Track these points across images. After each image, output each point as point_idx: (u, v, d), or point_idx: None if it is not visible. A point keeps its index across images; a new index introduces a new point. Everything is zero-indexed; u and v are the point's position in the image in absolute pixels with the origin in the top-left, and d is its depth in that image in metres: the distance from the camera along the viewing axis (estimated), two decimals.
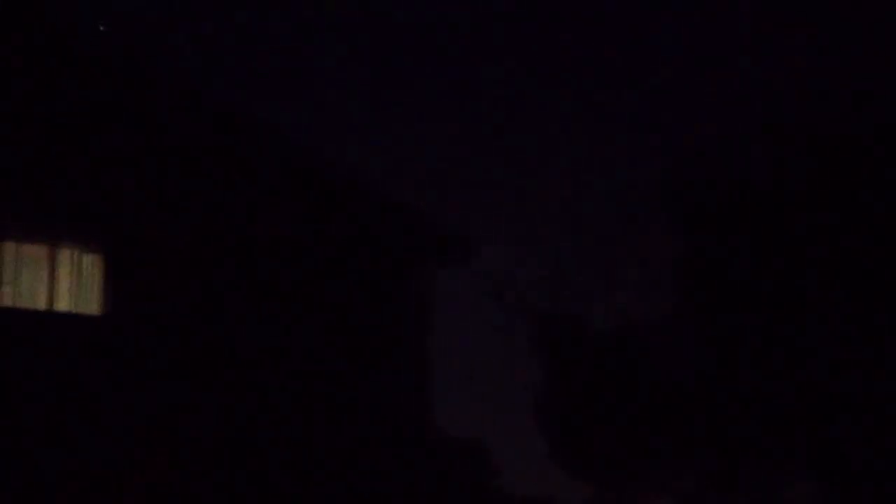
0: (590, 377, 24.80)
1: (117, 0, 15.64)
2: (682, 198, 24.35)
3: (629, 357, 24.98)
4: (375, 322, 16.68)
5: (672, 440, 24.47)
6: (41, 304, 14.98)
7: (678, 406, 24.19)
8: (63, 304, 15.09)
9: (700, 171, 24.24)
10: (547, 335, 25.53)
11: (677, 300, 24.47)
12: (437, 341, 17.58)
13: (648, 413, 24.28)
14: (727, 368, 23.49)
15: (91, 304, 15.15)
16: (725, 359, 23.53)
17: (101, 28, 15.15)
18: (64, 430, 14.53)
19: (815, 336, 22.98)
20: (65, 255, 15.14)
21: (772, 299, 23.22)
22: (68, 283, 15.12)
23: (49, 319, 14.90)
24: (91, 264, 15.20)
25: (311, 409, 16.00)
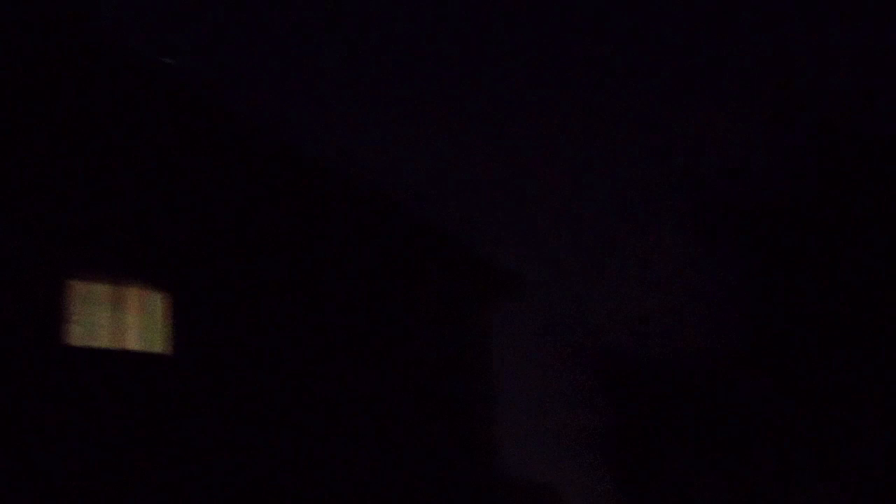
0: (655, 413, 24.59)
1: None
2: (734, 225, 24.15)
3: (692, 392, 24.75)
4: (440, 361, 16.65)
5: (740, 474, 24.22)
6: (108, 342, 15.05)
7: (741, 441, 23.95)
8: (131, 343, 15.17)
9: (745, 198, 24.04)
10: (605, 370, 25.36)
11: (732, 332, 24.27)
12: (497, 378, 17.56)
13: (712, 449, 24.04)
14: (785, 401, 23.25)
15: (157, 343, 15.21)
16: (782, 392, 23.29)
17: (168, 62, 15.22)
18: (129, 467, 14.55)
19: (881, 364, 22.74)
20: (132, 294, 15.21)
21: (832, 328, 22.98)
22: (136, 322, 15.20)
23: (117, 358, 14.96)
24: (157, 303, 15.26)
25: (377, 448, 15.94)
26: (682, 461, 24.19)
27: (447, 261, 16.88)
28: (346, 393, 15.95)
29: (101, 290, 15.09)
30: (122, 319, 15.07)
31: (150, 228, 15.19)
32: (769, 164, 23.12)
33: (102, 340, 15.06)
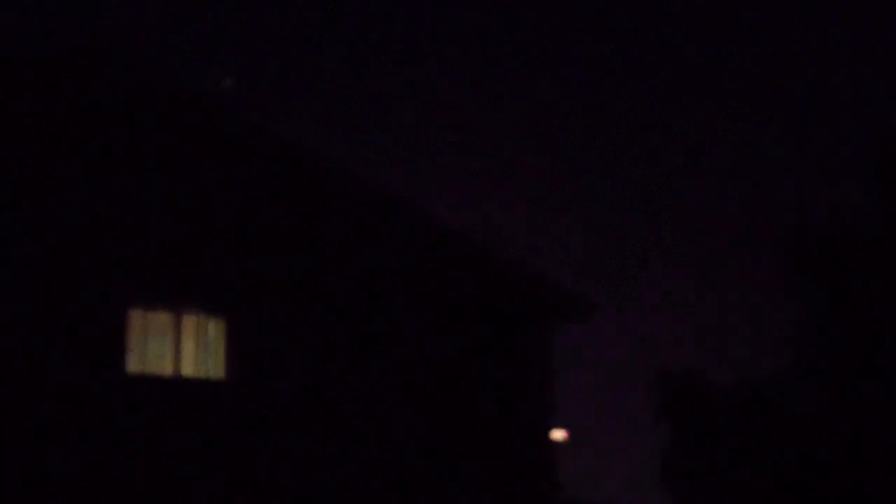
0: (715, 435, 24.46)
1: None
2: (798, 253, 24.02)
3: (752, 414, 24.60)
4: (497, 380, 16.66)
5: (796, 497, 24.01)
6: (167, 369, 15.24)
7: (803, 463, 23.76)
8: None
9: (814, 226, 23.93)
10: (670, 393, 25.25)
11: (795, 358, 24.10)
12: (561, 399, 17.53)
13: (773, 471, 23.87)
14: (848, 424, 23.03)
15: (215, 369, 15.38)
16: (845, 414, 23.08)
17: (223, 83, 15.41)
18: (187, 492, 14.69)
19: None
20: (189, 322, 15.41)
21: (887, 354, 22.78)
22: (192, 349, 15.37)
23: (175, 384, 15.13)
24: (214, 330, 15.43)
25: (435, 469, 15.98)
26: (740, 487, 24.04)
27: (508, 281, 16.89)
28: (404, 418, 16.00)
29: (160, 318, 15.31)
30: (180, 347, 15.26)
31: (206, 257, 15.37)
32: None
33: (161, 367, 15.29)
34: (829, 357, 23.16)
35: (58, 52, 15.18)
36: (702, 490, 24.50)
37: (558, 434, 18.39)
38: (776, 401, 24.01)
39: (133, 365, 14.99)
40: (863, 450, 22.75)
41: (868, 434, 22.63)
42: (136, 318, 15.09)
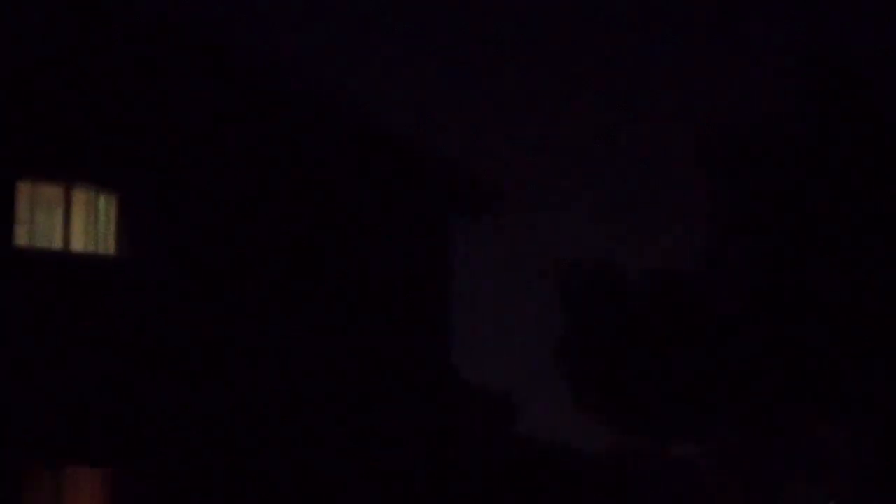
0: (617, 321, 24.71)
1: None
2: (721, 146, 24.20)
3: (658, 302, 24.86)
4: (396, 264, 16.66)
5: (700, 385, 24.37)
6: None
7: (709, 351, 24.09)
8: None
9: (739, 122, 24.08)
10: (577, 280, 25.45)
11: (713, 247, 24.34)
12: (464, 290, 17.50)
13: (676, 357, 24.19)
14: (759, 313, 23.36)
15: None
16: (758, 305, 23.40)
17: None
18: (77, 367, 14.65)
19: (849, 282, 22.82)
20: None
21: (805, 249, 23.06)
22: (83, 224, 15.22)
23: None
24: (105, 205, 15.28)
25: (334, 349, 16.02)
26: (640, 372, 24.37)
27: (413, 165, 16.78)
28: (298, 301, 15.99)
29: (50, 191, 15.11)
30: (70, 221, 15.09)
31: (99, 131, 15.17)
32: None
33: (51, 242, 15.12)
34: (744, 258, 23.41)
35: None
36: (600, 376, 24.78)
37: None
38: (691, 297, 24.28)
39: (22, 238, 14.82)
40: (772, 337, 23.09)
41: (778, 322, 22.96)
42: (25, 191, 14.90)
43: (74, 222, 15.08)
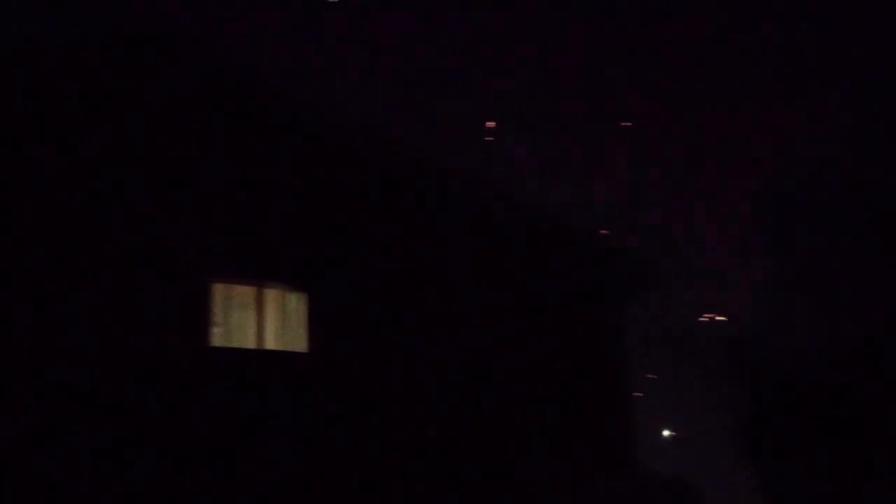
0: (790, 407, 24.26)
1: None
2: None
3: (837, 388, 24.38)
4: (575, 355, 16.77)
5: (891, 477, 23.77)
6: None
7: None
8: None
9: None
10: (749, 371, 25.09)
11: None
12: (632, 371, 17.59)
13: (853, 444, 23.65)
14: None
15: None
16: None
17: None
18: (270, 463, 14.91)
19: None
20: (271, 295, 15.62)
21: None
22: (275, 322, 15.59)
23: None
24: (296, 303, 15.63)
25: (510, 444, 16.12)
26: (821, 459, 23.82)
27: (582, 250, 16.97)
28: (481, 389, 16.15)
29: (242, 291, 15.52)
30: (262, 320, 15.47)
31: (288, 232, 15.58)
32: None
33: (244, 341, 15.50)
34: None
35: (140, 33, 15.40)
36: (779, 464, 24.37)
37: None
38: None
39: (217, 338, 15.22)
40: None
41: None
42: (220, 292, 15.32)
43: (267, 321, 15.49)
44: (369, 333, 15.67)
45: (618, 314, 17.27)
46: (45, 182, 14.42)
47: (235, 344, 15.32)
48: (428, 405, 15.80)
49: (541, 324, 16.67)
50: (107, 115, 14.94)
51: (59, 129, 14.64)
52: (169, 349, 14.60)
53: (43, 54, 14.72)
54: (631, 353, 17.37)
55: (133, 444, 14.23)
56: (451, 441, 15.80)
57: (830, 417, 23.67)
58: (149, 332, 14.57)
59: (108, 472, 14.07)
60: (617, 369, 17.13)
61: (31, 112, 14.58)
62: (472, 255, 16.44)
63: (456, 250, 16.39)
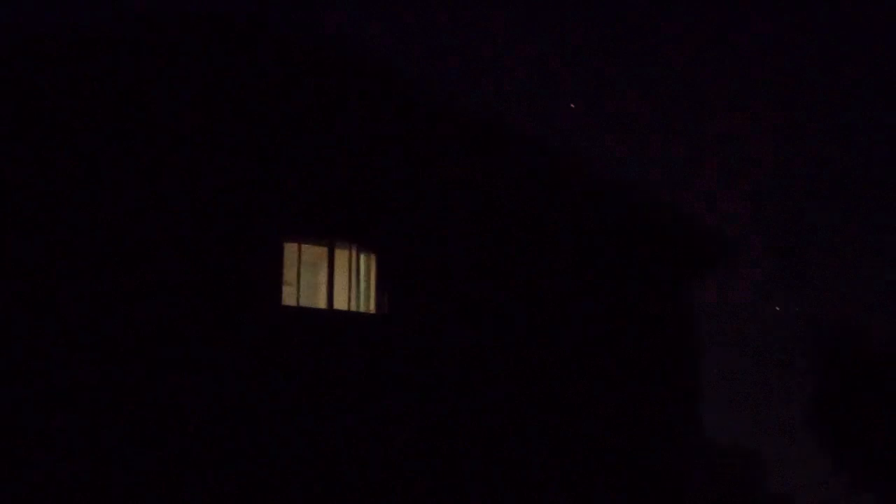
0: (871, 385, 24.21)
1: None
2: None
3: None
4: (646, 329, 16.78)
5: None
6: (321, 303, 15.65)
7: None
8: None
9: None
10: (827, 344, 25.04)
11: None
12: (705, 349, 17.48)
13: None
14: None
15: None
16: None
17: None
18: (342, 424, 15.17)
19: None
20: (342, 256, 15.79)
21: None
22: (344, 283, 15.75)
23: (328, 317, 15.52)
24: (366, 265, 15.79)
25: (583, 410, 16.18)
26: (887, 427, 23.72)
27: (657, 223, 16.94)
28: (550, 362, 16.22)
29: (314, 251, 15.74)
30: (333, 280, 15.64)
31: (360, 194, 15.79)
32: None
33: (314, 300, 15.71)
34: None
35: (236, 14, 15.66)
36: (857, 442, 24.29)
37: None
38: None
39: (287, 298, 15.40)
40: None
41: None
42: (291, 252, 15.54)
43: (337, 281, 15.67)
44: (441, 294, 15.83)
45: (691, 287, 17.20)
46: (122, 144, 14.75)
47: (305, 303, 15.54)
48: (494, 371, 15.90)
49: (620, 294, 16.67)
50: (189, 85, 15.26)
51: (146, 99, 14.98)
52: (243, 308, 14.83)
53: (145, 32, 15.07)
54: (699, 325, 17.32)
55: (204, 399, 14.54)
56: (518, 406, 15.89)
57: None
58: (225, 291, 14.83)
59: (176, 426, 14.38)
60: (686, 339, 17.10)
61: (123, 88, 14.95)
62: (546, 223, 16.48)
63: (528, 218, 16.46)
